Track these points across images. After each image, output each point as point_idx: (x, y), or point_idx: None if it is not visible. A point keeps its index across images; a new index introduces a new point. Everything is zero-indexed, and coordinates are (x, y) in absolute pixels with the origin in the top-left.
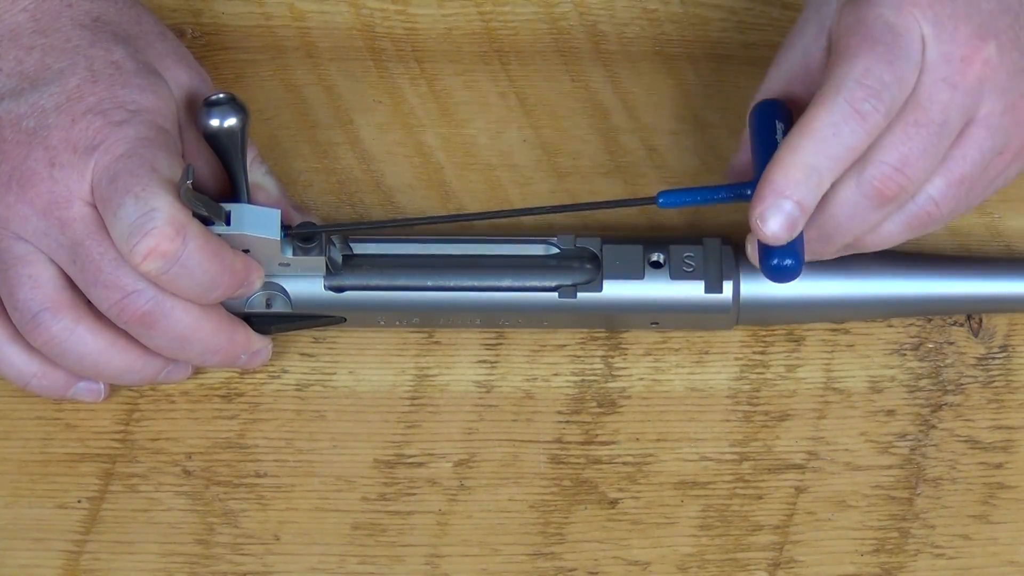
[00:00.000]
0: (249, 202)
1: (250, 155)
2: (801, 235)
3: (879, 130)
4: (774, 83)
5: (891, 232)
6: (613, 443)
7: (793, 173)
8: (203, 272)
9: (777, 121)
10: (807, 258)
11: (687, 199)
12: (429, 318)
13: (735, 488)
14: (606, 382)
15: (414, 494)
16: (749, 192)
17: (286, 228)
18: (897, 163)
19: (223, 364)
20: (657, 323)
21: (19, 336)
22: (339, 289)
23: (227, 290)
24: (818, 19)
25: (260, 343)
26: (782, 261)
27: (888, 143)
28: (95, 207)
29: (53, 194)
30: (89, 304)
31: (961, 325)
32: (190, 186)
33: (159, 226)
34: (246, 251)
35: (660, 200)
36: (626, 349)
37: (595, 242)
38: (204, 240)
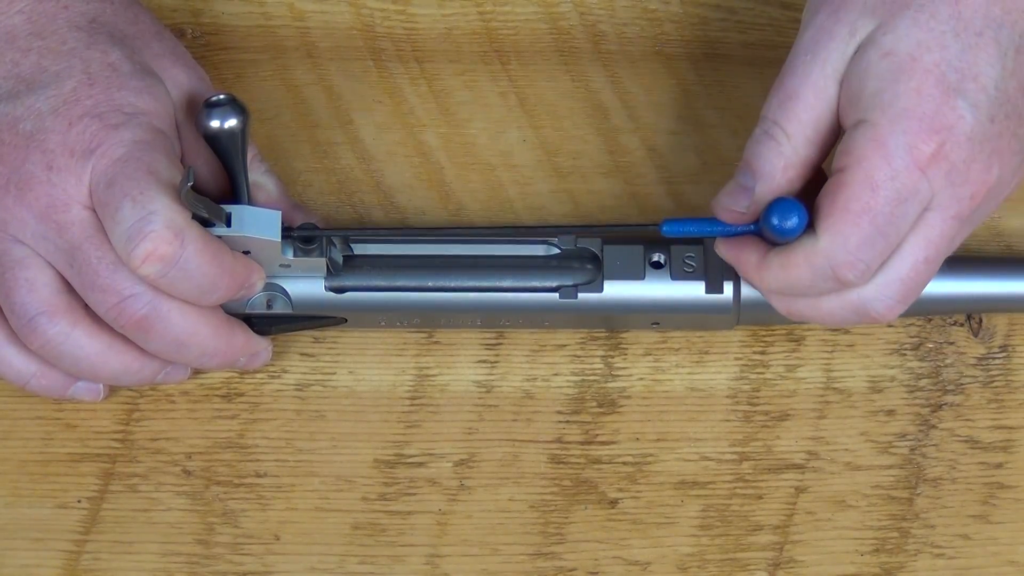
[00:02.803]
0: (249, 203)
1: (249, 154)
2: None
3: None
4: (784, 118)
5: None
6: (613, 443)
7: (762, 285)
8: (202, 275)
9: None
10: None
11: (691, 228)
12: (430, 319)
13: (735, 488)
14: (606, 382)
15: (414, 494)
16: (753, 228)
17: (287, 229)
18: (899, 296)
19: (222, 367)
20: (658, 323)
21: (17, 338)
22: (340, 290)
23: (227, 292)
24: (822, 62)
25: (259, 345)
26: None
27: (890, 274)
28: (93, 211)
29: (51, 198)
30: (86, 307)
31: (961, 325)
32: (190, 188)
33: (157, 229)
34: (246, 252)
35: (664, 229)
36: (626, 349)
37: (596, 242)
38: (203, 243)
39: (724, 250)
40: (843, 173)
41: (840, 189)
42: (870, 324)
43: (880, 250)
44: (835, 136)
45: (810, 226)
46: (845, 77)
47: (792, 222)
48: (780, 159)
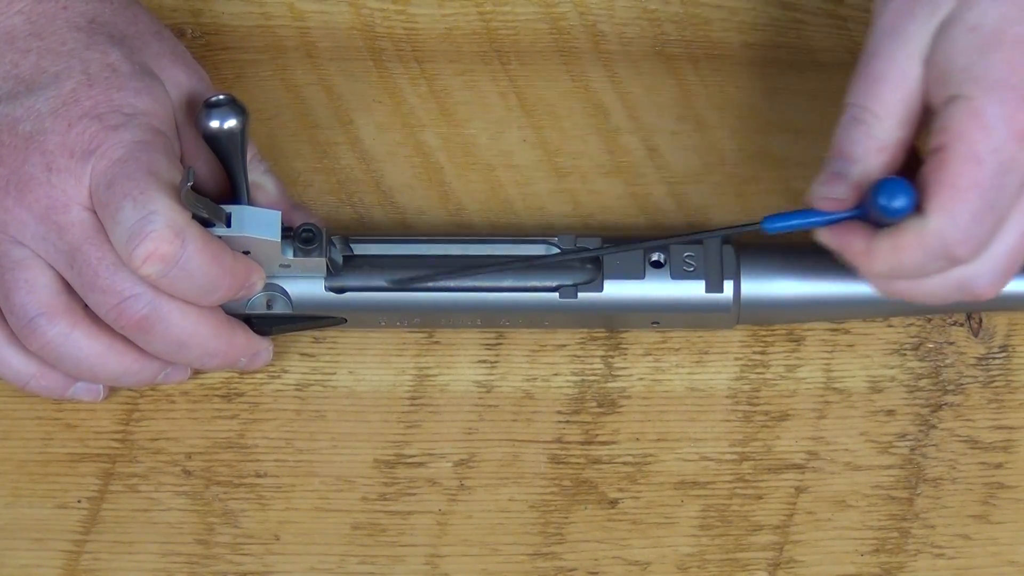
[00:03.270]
0: (249, 203)
1: (249, 154)
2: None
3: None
4: (871, 100)
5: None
6: (613, 443)
7: (871, 268)
8: (203, 274)
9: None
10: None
11: (794, 222)
12: (430, 319)
13: (735, 488)
14: (606, 382)
15: (414, 494)
16: (857, 213)
17: (286, 230)
18: (1004, 269)
19: (222, 367)
20: (658, 323)
21: (17, 338)
22: (340, 290)
23: (227, 292)
24: (905, 42)
25: (260, 345)
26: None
27: (996, 249)
28: (93, 212)
29: (51, 199)
30: (86, 308)
31: (961, 325)
32: (190, 188)
33: (158, 229)
34: (246, 252)
35: (767, 226)
36: (626, 349)
37: (596, 242)
38: (203, 242)
39: (828, 238)
40: (944, 151)
41: (944, 166)
42: (970, 300)
43: (991, 225)
44: (922, 116)
45: (916, 207)
46: (930, 55)
47: (901, 201)
48: (873, 141)
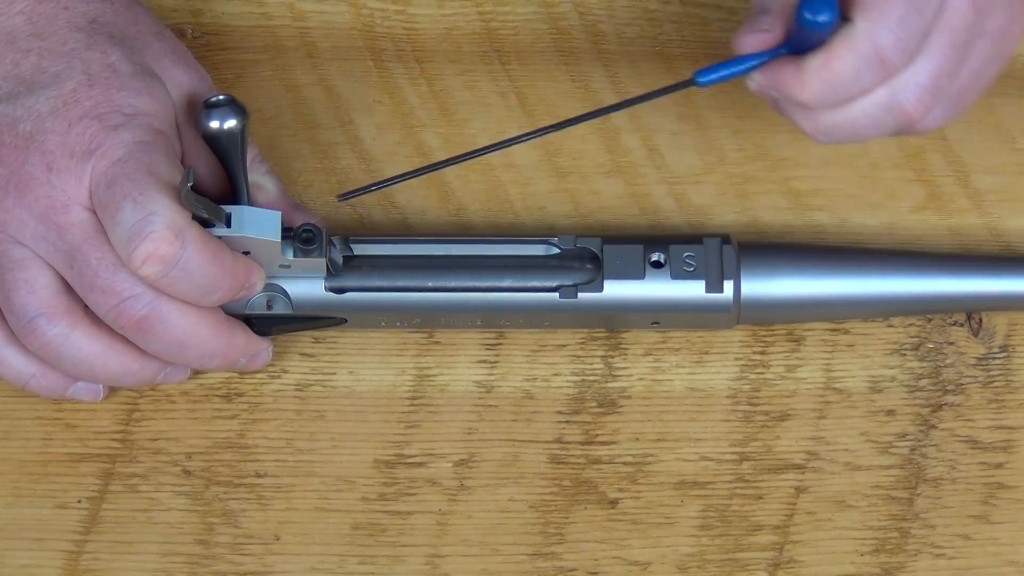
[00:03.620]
0: (249, 203)
1: (250, 155)
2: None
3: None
4: None
5: (886, 135)
6: (613, 443)
7: (804, 94)
8: (202, 275)
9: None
10: (818, 141)
11: (725, 71)
12: (430, 319)
13: (735, 488)
14: (606, 382)
15: (414, 494)
16: (783, 50)
17: (286, 230)
18: (931, 84)
19: (222, 368)
20: (658, 323)
21: (16, 338)
22: (340, 290)
23: (227, 293)
24: None
25: (259, 346)
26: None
27: (923, 63)
28: (93, 212)
29: (51, 199)
30: (86, 309)
31: (961, 325)
32: (190, 188)
33: (158, 230)
34: (246, 253)
35: (699, 79)
36: (626, 349)
37: (595, 242)
38: (203, 243)
39: (760, 78)
40: None
41: None
42: (904, 129)
43: (917, 28)
44: None
45: (842, 18)
46: None
47: (826, 13)
48: None
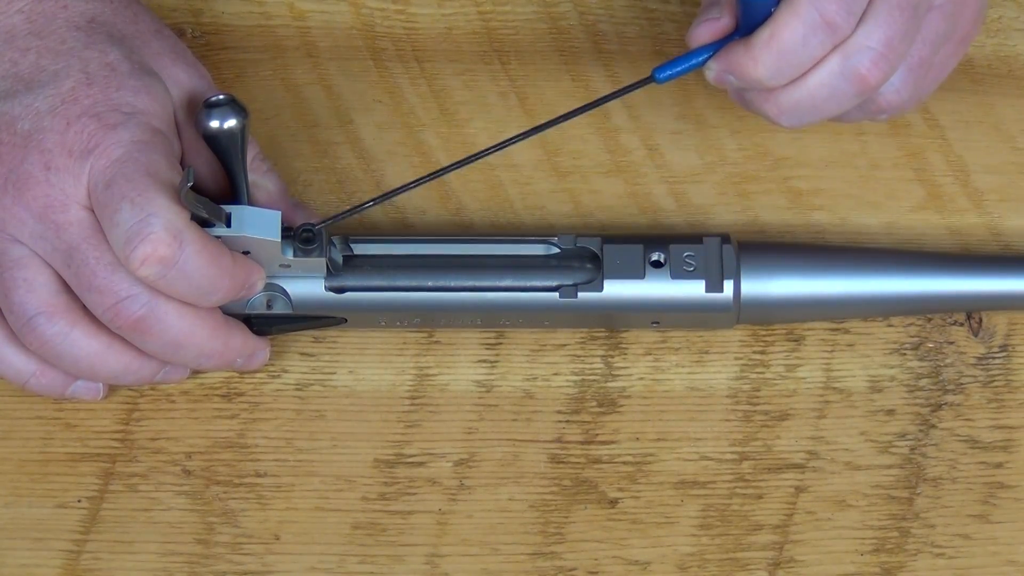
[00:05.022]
0: (249, 203)
1: (251, 153)
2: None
3: (847, 35)
4: None
5: (852, 117)
6: (613, 443)
7: (758, 70)
8: (200, 276)
9: None
10: (784, 124)
11: (681, 66)
12: (430, 319)
13: (735, 488)
14: (606, 382)
15: (414, 494)
16: (736, 36)
17: (286, 230)
18: (883, 47)
19: (219, 368)
20: (658, 322)
21: (16, 337)
22: (340, 290)
23: (226, 294)
24: None
25: (257, 346)
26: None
27: (871, 27)
28: (91, 211)
29: (49, 198)
30: (85, 307)
31: (961, 325)
32: (190, 188)
33: (156, 232)
34: (246, 253)
35: (658, 75)
36: (626, 349)
37: (595, 242)
38: (202, 244)
39: (715, 65)
40: None
41: None
42: (868, 103)
43: None
44: None
45: None
46: None
47: None
48: None
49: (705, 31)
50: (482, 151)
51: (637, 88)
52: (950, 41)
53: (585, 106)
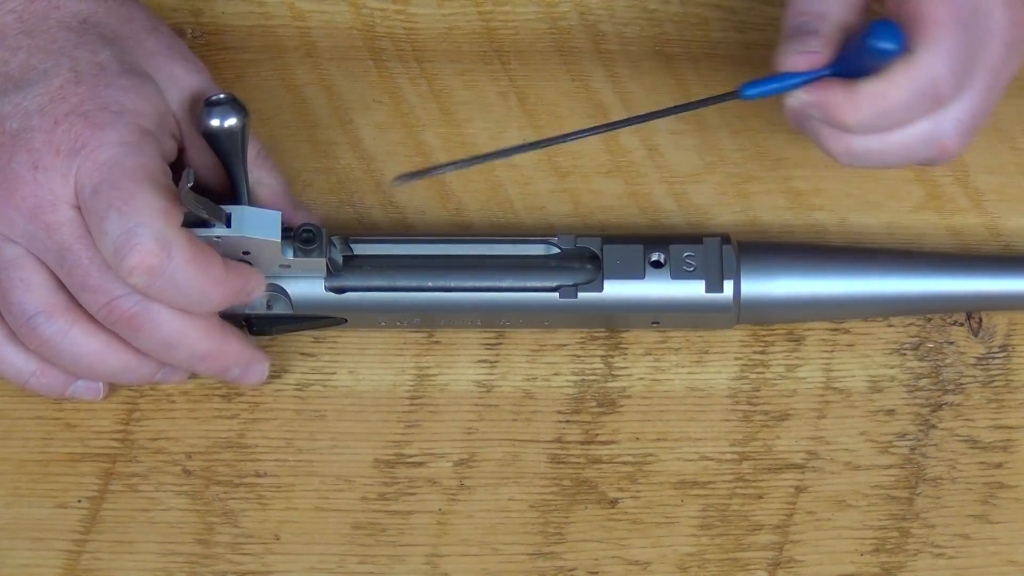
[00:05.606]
0: (250, 202)
1: (253, 150)
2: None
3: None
4: None
5: (910, 165)
6: (613, 443)
7: (853, 118)
8: (190, 285)
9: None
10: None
11: (771, 87)
12: (430, 319)
13: (735, 488)
14: (606, 382)
15: (414, 494)
16: (826, 72)
17: (287, 230)
18: (969, 119)
19: (214, 372)
20: (658, 323)
21: (15, 337)
22: (340, 290)
23: (220, 302)
24: None
25: (254, 357)
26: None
27: (967, 99)
28: (80, 210)
29: (38, 198)
30: (82, 306)
31: (961, 325)
32: (190, 188)
33: (143, 242)
34: (246, 253)
35: (744, 92)
36: (626, 349)
37: (595, 242)
38: (191, 254)
39: (806, 96)
40: None
41: (922, 4)
42: (932, 160)
43: (967, 63)
44: None
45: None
46: None
47: (894, 42)
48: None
49: (802, 62)
50: (559, 137)
51: (720, 101)
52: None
53: (658, 112)
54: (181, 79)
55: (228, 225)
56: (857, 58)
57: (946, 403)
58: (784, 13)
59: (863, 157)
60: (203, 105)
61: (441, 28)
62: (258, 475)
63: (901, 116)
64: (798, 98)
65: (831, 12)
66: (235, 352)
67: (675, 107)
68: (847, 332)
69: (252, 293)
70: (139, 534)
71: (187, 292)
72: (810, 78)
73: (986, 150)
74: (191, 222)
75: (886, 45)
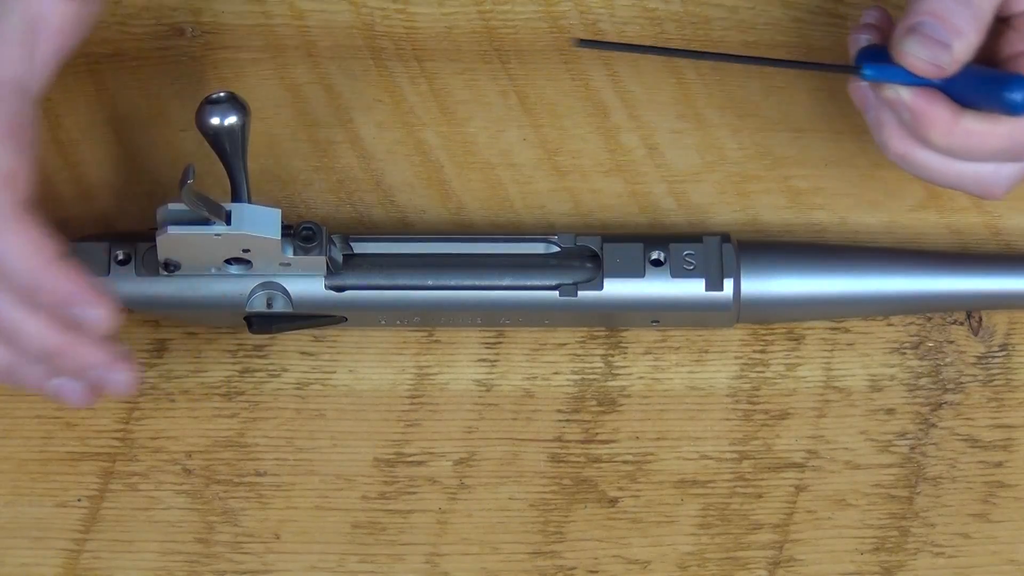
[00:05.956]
0: (250, 201)
1: None
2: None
3: None
4: None
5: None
6: (613, 442)
7: (946, 141)
8: (17, 265)
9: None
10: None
11: (889, 77)
12: (430, 317)
13: (735, 487)
14: (606, 381)
15: (414, 493)
16: (937, 82)
17: (286, 228)
18: (1020, 177)
19: (69, 372)
20: (658, 321)
21: None
22: (340, 289)
23: (51, 295)
24: None
25: (111, 361)
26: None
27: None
28: None
29: None
30: None
31: (961, 324)
32: (191, 185)
33: None
34: (247, 251)
35: (866, 72)
36: (626, 348)
37: (595, 240)
38: (21, 230)
39: (908, 98)
40: None
41: None
42: (973, 194)
43: None
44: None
45: None
46: None
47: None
48: (977, 22)
49: (927, 70)
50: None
51: (839, 72)
52: None
53: (775, 60)
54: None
55: (228, 222)
56: (971, 86)
57: (946, 402)
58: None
59: (915, 167)
60: (202, 103)
61: (441, 27)
62: (258, 474)
63: (979, 155)
64: (900, 95)
65: (968, 33)
66: (87, 354)
67: (793, 62)
68: (847, 331)
69: (86, 307)
70: (139, 533)
71: (14, 274)
72: (924, 83)
73: None
74: (192, 219)
75: (1016, 97)
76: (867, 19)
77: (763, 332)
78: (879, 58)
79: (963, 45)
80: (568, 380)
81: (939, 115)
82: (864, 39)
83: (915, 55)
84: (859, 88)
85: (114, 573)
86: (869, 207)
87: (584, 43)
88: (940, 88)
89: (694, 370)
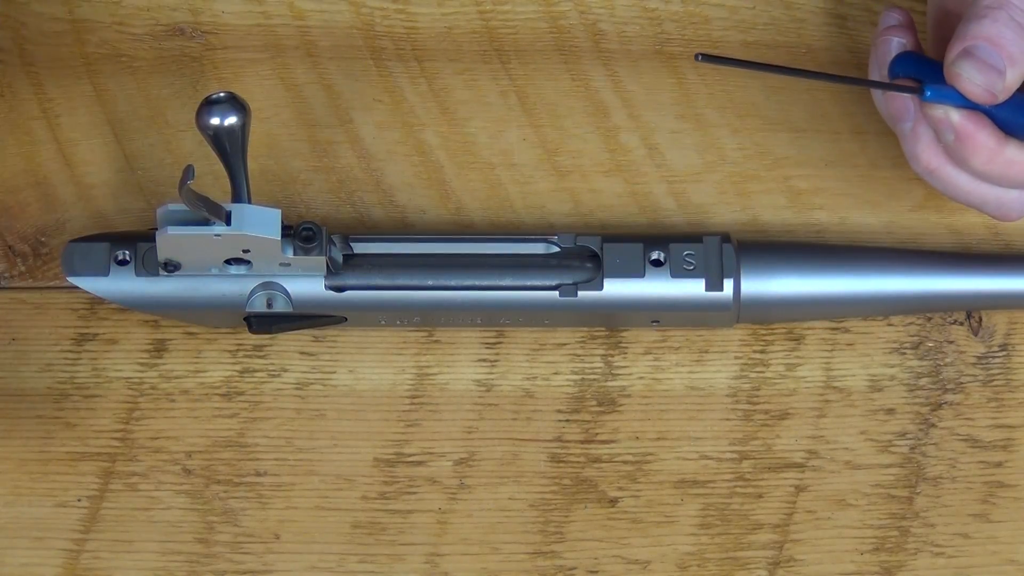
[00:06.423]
0: (250, 201)
1: None
2: None
3: None
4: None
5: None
6: (613, 442)
7: (982, 167)
8: None
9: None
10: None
11: (948, 100)
12: (430, 317)
13: (735, 487)
14: (606, 381)
15: (414, 493)
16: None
17: (287, 228)
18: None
19: None
20: (658, 321)
21: None
22: (340, 289)
23: None
24: None
25: None
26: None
27: None
28: None
29: None
30: None
31: (961, 324)
32: (190, 185)
33: None
34: (246, 251)
35: (927, 93)
36: (626, 348)
37: (595, 241)
38: None
39: (956, 120)
40: None
41: None
42: (989, 215)
43: None
44: None
45: None
46: None
47: None
48: None
49: (980, 96)
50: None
51: (901, 92)
52: None
53: (838, 77)
54: None
55: (228, 223)
56: (1015, 114)
57: (946, 402)
58: (971, 22)
59: (941, 182)
60: (202, 104)
61: (441, 27)
62: (258, 474)
63: (1012, 184)
64: (949, 115)
65: (1021, 62)
66: None
67: (853, 79)
68: (847, 331)
69: None
70: (139, 533)
71: None
72: (969, 104)
73: None
74: (192, 219)
75: None
76: (890, 21)
77: (763, 332)
78: (914, 66)
79: (1016, 74)
80: (568, 380)
81: (984, 142)
82: (896, 43)
83: (971, 80)
84: (899, 98)
85: (114, 573)
86: (869, 207)
87: (706, 58)
88: (986, 113)
89: (694, 370)
